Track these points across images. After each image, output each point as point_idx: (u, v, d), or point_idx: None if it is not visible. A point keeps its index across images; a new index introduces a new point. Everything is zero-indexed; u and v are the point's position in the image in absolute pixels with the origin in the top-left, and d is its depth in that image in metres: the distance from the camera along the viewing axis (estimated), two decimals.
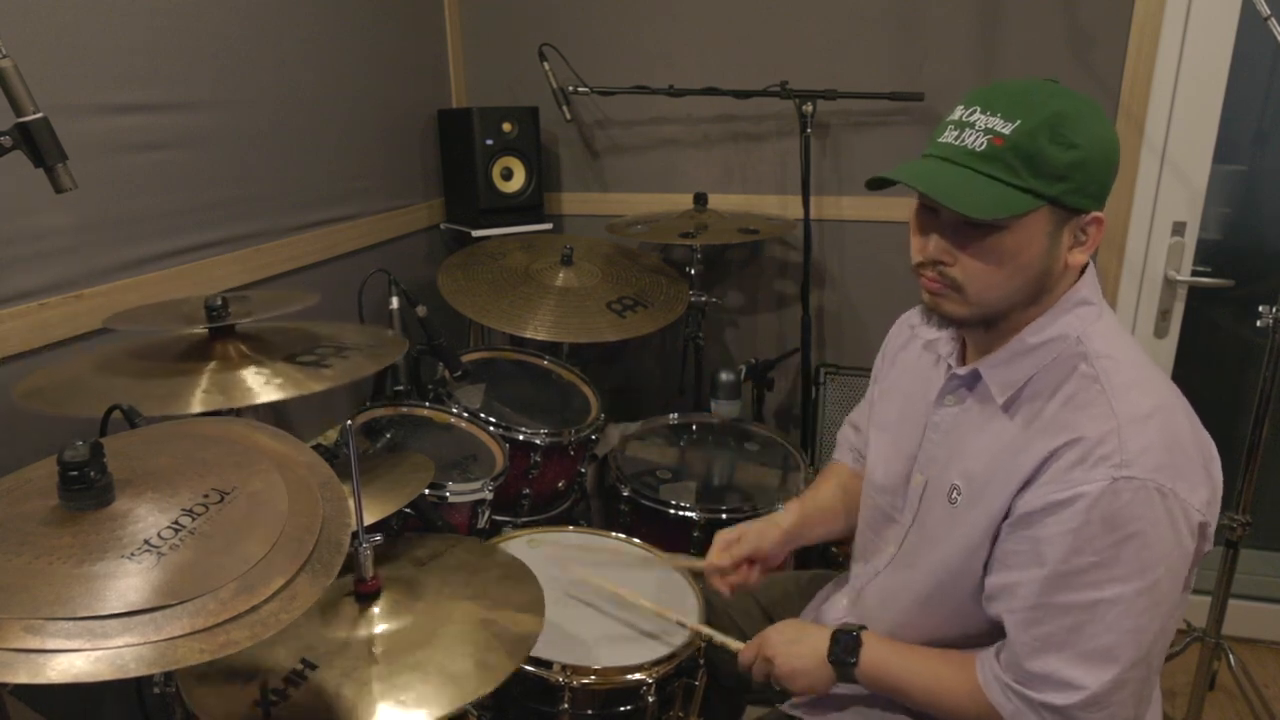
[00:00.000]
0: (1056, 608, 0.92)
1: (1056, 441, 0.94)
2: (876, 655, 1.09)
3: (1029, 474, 0.95)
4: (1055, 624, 0.93)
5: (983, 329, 1.03)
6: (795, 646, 1.15)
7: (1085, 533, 0.90)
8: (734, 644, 1.25)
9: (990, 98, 0.94)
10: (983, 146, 0.92)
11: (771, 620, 1.42)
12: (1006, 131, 0.91)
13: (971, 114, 0.94)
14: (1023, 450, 0.97)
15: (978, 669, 1.02)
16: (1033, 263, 0.95)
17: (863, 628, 1.12)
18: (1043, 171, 0.90)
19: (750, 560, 1.31)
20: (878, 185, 0.99)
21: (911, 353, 1.23)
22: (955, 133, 0.95)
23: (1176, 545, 0.90)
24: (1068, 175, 0.91)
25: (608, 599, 1.37)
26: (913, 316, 1.28)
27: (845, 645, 1.10)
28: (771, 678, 1.17)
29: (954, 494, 1.05)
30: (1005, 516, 0.98)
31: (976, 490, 1.02)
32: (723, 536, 1.33)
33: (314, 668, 0.99)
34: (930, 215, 0.98)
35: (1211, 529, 0.94)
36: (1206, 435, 0.98)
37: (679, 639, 1.29)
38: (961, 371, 1.08)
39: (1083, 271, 1.01)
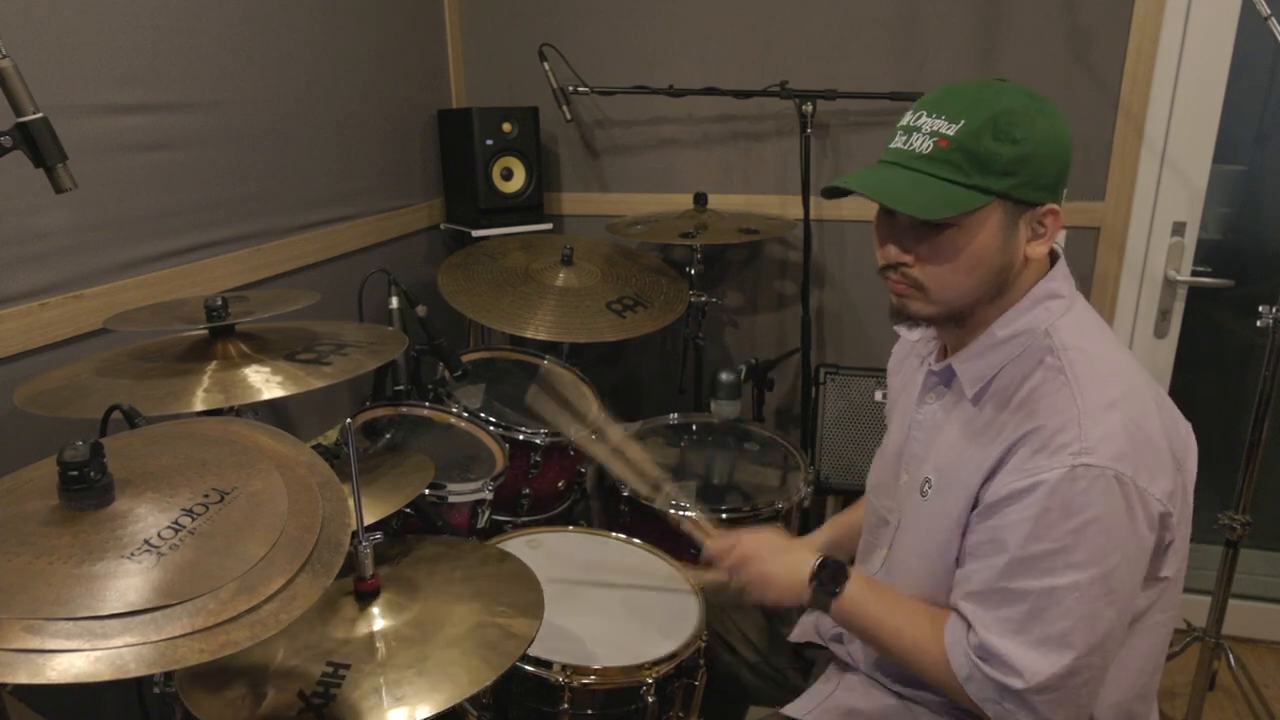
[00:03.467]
0: (1014, 593, 0.94)
1: (1019, 431, 0.95)
2: (858, 593, 1.09)
3: (993, 464, 0.97)
4: (1013, 609, 0.94)
5: (953, 326, 1.04)
6: (776, 558, 1.15)
7: (1044, 520, 0.91)
8: (709, 529, 1.24)
9: (938, 102, 0.97)
10: (929, 149, 0.95)
11: (769, 616, 1.42)
12: (951, 133, 0.94)
13: (919, 118, 0.97)
14: (989, 441, 0.98)
15: (946, 628, 1.02)
16: (989, 258, 0.97)
17: (850, 562, 1.13)
18: (989, 168, 0.92)
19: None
20: (833, 194, 1.01)
21: (908, 360, 1.26)
22: (904, 138, 0.98)
23: (1133, 534, 0.91)
24: (1013, 170, 0.93)
25: (611, 599, 1.37)
26: None
27: (833, 574, 1.10)
28: (736, 578, 1.16)
29: (925, 487, 1.07)
30: (974, 507, 0.99)
31: (945, 483, 1.03)
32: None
33: (347, 667, 0.99)
34: (888, 219, 1.01)
35: (1174, 520, 0.95)
36: (1183, 426, 0.99)
37: (679, 639, 1.29)
38: (937, 368, 1.10)
39: (1054, 264, 1.03)
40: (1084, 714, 0.98)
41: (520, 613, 1.10)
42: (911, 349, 1.26)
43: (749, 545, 1.18)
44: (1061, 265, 1.03)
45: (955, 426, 1.05)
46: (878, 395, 2.23)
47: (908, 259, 0.99)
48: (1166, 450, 0.95)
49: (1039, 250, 0.99)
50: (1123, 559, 0.91)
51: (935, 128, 0.95)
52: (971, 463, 1.00)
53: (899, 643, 1.06)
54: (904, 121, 0.99)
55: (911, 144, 0.97)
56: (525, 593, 1.15)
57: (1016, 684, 0.93)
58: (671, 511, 1.28)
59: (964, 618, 1.00)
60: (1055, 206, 0.97)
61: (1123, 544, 0.91)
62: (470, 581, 1.17)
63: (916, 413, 1.14)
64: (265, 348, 1.20)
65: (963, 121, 0.93)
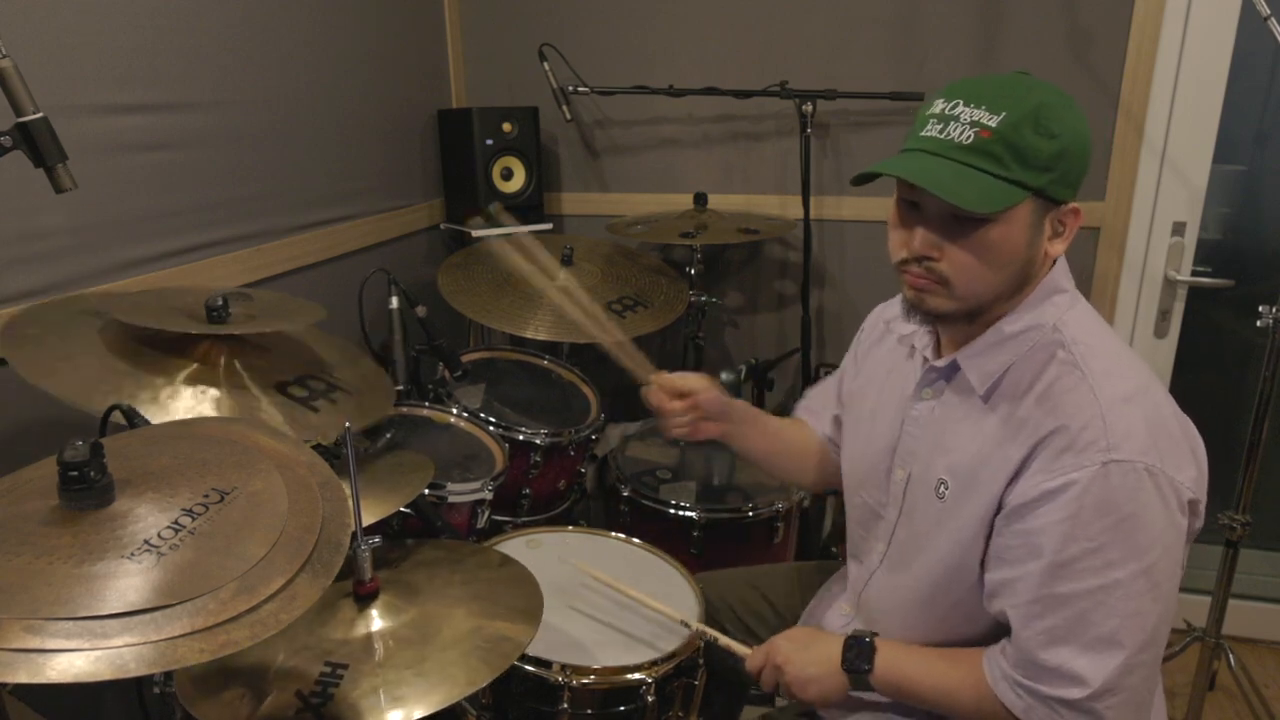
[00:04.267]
0: (1058, 598, 0.92)
1: (1041, 431, 0.94)
2: (890, 661, 1.08)
3: (1017, 465, 0.95)
4: (1058, 615, 0.92)
5: (964, 322, 1.03)
6: (807, 654, 1.14)
7: (1079, 519, 0.90)
8: (740, 648, 1.24)
9: (971, 91, 0.94)
10: (970, 139, 0.92)
11: (775, 609, 1.42)
12: (993, 123, 0.91)
13: (954, 107, 0.94)
14: (1008, 441, 0.97)
15: (985, 667, 1.01)
16: (1018, 254, 0.96)
17: (875, 634, 1.11)
18: (1029, 163, 0.91)
19: (688, 399, 1.29)
20: (865, 180, 0.99)
21: (885, 347, 1.23)
22: (939, 126, 0.95)
23: (1170, 525, 0.91)
24: (1052, 166, 0.92)
25: (612, 599, 1.37)
26: (887, 310, 1.28)
27: (859, 652, 1.09)
28: (781, 686, 1.16)
29: (941, 488, 1.05)
30: (998, 510, 0.98)
31: (964, 484, 1.02)
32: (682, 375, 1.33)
33: (345, 667, 0.99)
34: (913, 210, 0.98)
35: (1202, 506, 0.94)
36: (1187, 419, 0.99)
37: (679, 639, 1.29)
38: (940, 363, 1.08)
39: (1054, 261, 1.02)
40: (1144, 713, 0.97)
41: (519, 616, 1.09)
42: (885, 335, 1.24)
43: (780, 652, 1.16)
44: (1062, 261, 1.03)
45: (966, 425, 1.04)
46: None
47: (935, 253, 0.96)
48: (1183, 439, 0.95)
49: (1059, 248, 0.99)
50: (1163, 551, 0.90)
51: (976, 118, 0.92)
52: (991, 464, 0.98)
53: (952, 698, 1.05)
54: (936, 109, 0.96)
55: (949, 133, 0.93)
56: (524, 596, 1.15)
57: (1074, 693, 0.92)
58: (701, 632, 1.29)
59: (993, 627, 1.00)
60: (1077, 205, 0.97)
61: (1161, 536, 0.90)
62: (469, 585, 1.17)
63: (911, 407, 1.12)
64: (260, 358, 1.19)
65: (1004, 113, 0.91)
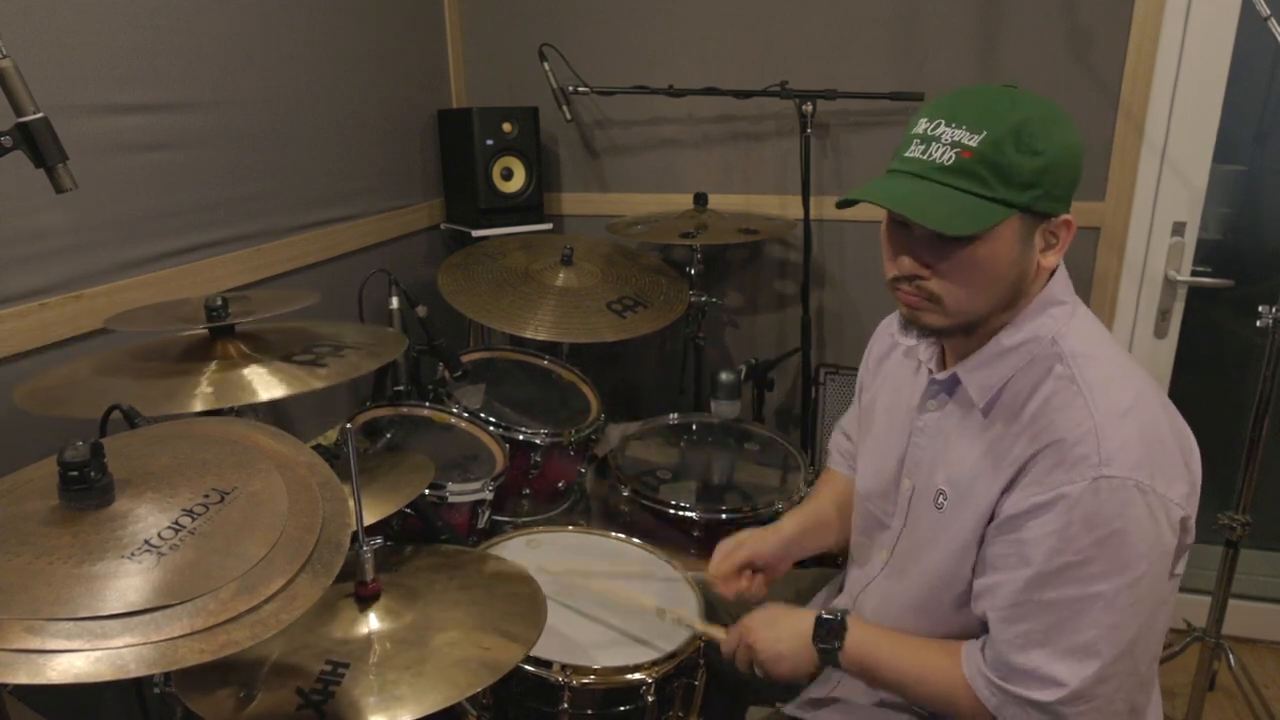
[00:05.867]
0: (1038, 604, 0.93)
1: (1037, 444, 0.94)
2: (861, 641, 1.09)
3: (1011, 477, 0.96)
4: (1037, 620, 0.93)
5: (962, 336, 1.03)
6: (776, 630, 1.15)
7: (1067, 533, 0.90)
8: (716, 632, 1.25)
9: (954, 109, 0.94)
10: (951, 160, 0.92)
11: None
12: (973, 144, 0.91)
13: (936, 127, 0.94)
14: (1004, 454, 0.98)
15: (963, 661, 1.02)
16: (1007, 270, 0.96)
17: (846, 612, 1.12)
18: (1012, 181, 0.91)
19: (751, 567, 1.32)
20: (848, 205, 0.99)
21: (894, 359, 1.24)
22: (922, 147, 0.95)
23: (1157, 541, 0.91)
24: (1036, 182, 0.91)
25: (610, 600, 1.37)
26: (893, 324, 1.28)
27: (830, 629, 1.10)
28: (755, 665, 1.17)
29: (940, 499, 1.06)
30: (990, 520, 0.99)
31: (961, 494, 1.03)
32: (723, 545, 1.34)
33: (346, 666, 0.99)
34: (902, 230, 0.99)
35: (1192, 522, 0.95)
36: (1185, 428, 0.99)
37: (679, 639, 1.29)
38: (940, 377, 1.09)
39: (1053, 271, 1.02)
40: None
41: (520, 621, 1.09)
42: (893, 347, 1.24)
43: (751, 629, 1.17)
44: (1062, 271, 1.02)
45: (965, 438, 1.04)
46: None
47: (924, 273, 0.97)
48: (1178, 453, 0.95)
49: (1052, 260, 0.98)
50: (1149, 567, 0.91)
51: (956, 138, 0.92)
52: (987, 476, 0.99)
53: (921, 682, 1.05)
54: (919, 129, 0.96)
55: (931, 154, 0.94)
56: (525, 600, 1.15)
57: (1043, 696, 0.92)
58: (676, 618, 1.30)
59: (984, 633, 1.00)
60: (1069, 217, 0.97)
61: (1148, 552, 0.90)
62: (469, 589, 1.17)
63: (917, 420, 1.13)
64: (264, 348, 1.20)
65: (985, 132, 0.91)
